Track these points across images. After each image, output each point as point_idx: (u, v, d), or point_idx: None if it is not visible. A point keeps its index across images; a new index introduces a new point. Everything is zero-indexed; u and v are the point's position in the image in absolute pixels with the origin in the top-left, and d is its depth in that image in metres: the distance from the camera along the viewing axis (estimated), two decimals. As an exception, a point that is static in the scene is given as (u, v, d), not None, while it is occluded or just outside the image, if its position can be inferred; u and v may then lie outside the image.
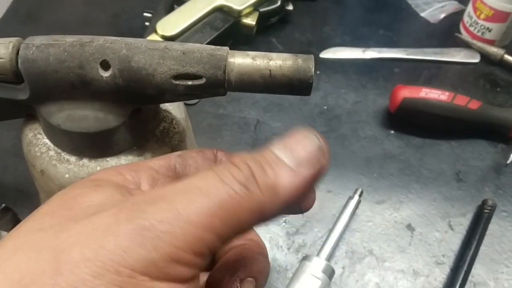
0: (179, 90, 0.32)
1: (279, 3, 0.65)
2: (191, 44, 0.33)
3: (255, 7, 0.63)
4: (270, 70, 0.32)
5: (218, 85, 0.32)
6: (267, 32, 0.67)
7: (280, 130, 0.58)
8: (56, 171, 0.35)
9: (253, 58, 0.32)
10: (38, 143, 0.36)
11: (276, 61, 0.32)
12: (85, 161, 0.36)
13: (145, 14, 0.64)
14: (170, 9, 0.63)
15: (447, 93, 0.55)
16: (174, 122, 0.39)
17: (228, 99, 0.60)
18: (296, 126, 0.24)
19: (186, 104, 0.44)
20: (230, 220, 0.20)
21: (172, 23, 0.60)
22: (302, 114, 0.59)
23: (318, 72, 0.64)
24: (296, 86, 0.32)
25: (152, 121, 0.38)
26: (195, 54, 0.32)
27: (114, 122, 0.34)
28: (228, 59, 0.32)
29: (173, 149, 0.38)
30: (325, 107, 0.60)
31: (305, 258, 0.45)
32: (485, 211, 0.51)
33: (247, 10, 0.62)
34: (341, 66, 0.65)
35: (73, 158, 0.36)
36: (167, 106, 0.39)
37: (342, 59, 0.65)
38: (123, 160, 0.36)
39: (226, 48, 0.33)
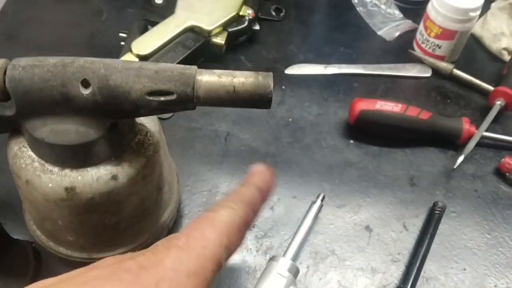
0: (153, 105, 0.36)
1: (246, 23, 0.69)
2: (163, 63, 0.37)
3: (224, 27, 0.68)
4: (234, 87, 0.36)
5: (187, 100, 0.36)
6: (236, 50, 0.71)
7: (249, 141, 0.62)
8: (40, 181, 0.39)
9: (219, 76, 0.36)
10: (23, 156, 0.39)
11: (239, 79, 0.36)
12: (67, 171, 0.39)
13: (120, 34, 0.68)
14: (144, 30, 0.66)
15: (400, 105, 0.61)
16: (149, 134, 0.43)
17: (200, 113, 0.64)
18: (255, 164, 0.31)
19: (160, 118, 0.48)
20: None
21: (146, 43, 0.63)
22: (269, 126, 0.64)
23: (283, 87, 0.68)
24: (258, 100, 0.37)
25: (129, 134, 0.41)
26: (167, 73, 0.36)
27: (94, 135, 0.37)
28: (197, 77, 0.36)
29: (148, 159, 0.42)
30: (290, 120, 0.65)
31: (272, 258, 0.49)
32: (436, 212, 0.56)
33: (217, 30, 0.66)
34: (304, 81, 0.69)
35: (56, 169, 0.39)
36: (142, 120, 0.43)
37: (306, 74, 0.70)
38: (102, 170, 0.39)
39: (195, 67, 0.37)
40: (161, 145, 0.45)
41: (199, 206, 0.56)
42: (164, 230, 0.51)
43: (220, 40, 0.67)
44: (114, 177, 0.40)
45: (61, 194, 0.39)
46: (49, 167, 0.39)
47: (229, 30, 0.68)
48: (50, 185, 0.39)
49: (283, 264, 0.48)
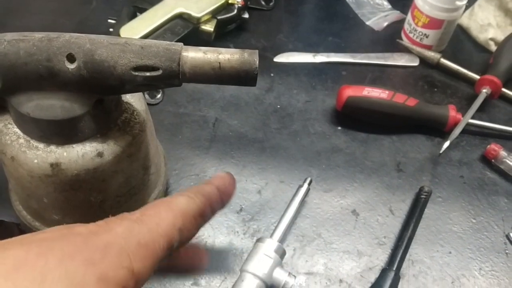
0: (138, 81, 0.36)
1: (235, 11, 0.70)
2: (148, 40, 0.37)
3: (213, 14, 0.68)
4: (219, 63, 0.36)
5: (173, 76, 0.36)
6: (224, 38, 0.71)
7: (237, 127, 0.62)
8: (25, 157, 0.39)
9: (204, 52, 0.36)
10: (9, 132, 0.39)
11: (225, 55, 0.36)
12: (53, 147, 0.39)
13: (109, 20, 0.68)
14: (132, 16, 0.66)
15: (387, 92, 0.61)
16: (135, 113, 0.43)
17: (188, 99, 0.64)
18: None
19: (148, 104, 0.48)
20: None
21: (135, 29, 0.63)
22: (257, 113, 0.64)
23: (272, 74, 0.68)
24: (243, 77, 0.37)
25: (114, 112, 0.41)
26: (152, 48, 0.36)
27: (79, 110, 0.37)
28: (182, 53, 0.36)
29: (133, 138, 0.42)
30: (278, 106, 0.65)
31: (259, 240, 0.49)
32: (422, 196, 0.56)
33: (206, 17, 0.67)
34: (293, 69, 0.70)
35: (41, 145, 0.39)
36: (128, 98, 0.43)
37: (294, 63, 0.70)
38: (87, 146, 0.39)
39: (181, 44, 0.37)
40: (147, 125, 0.45)
41: (187, 190, 0.56)
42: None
43: (209, 27, 0.67)
44: (100, 154, 0.40)
45: (46, 170, 0.39)
46: (34, 143, 0.39)
47: (218, 17, 0.68)
48: (36, 161, 0.39)
49: (270, 245, 0.49)
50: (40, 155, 0.39)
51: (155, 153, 0.49)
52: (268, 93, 0.66)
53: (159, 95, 0.63)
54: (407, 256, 0.52)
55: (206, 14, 0.66)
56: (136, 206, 0.48)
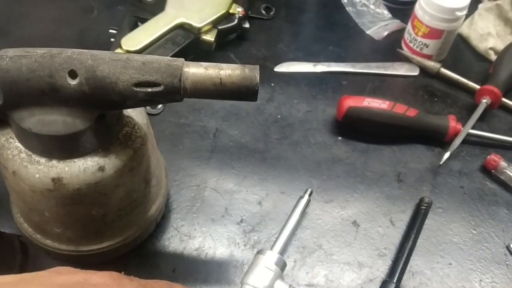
0: (140, 97, 0.36)
1: (236, 21, 0.70)
2: (150, 55, 0.37)
3: (214, 24, 0.68)
4: (220, 79, 0.37)
5: (174, 92, 0.36)
6: (225, 48, 0.72)
7: (237, 137, 0.62)
8: (27, 171, 0.39)
9: (205, 68, 0.37)
10: (10, 147, 0.39)
11: (226, 71, 0.37)
12: (54, 162, 0.39)
13: (110, 30, 0.68)
14: (134, 26, 0.67)
15: (387, 102, 0.61)
16: (136, 127, 0.43)
17: (189, 110, 0.64)
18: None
19: (149, 114, 0.48)
20: None
21: (136, 39, 0.63)
22: (258, 123, 0.64)
23: (272, 84, 0.68)
24: (244, 92, 0.37)
25: (116, 126, 0.41)
26: (154, 64, 0.36)
27: (80, 125, 0.37)
28: (184, 69, 0.36)
29: (135, 152, 0.42)
30: (279, 116, 0.65)
31: (259, 252, 0.49)
32: (422, 207, 0.56)
33: (207, 28, 0.67)
34: (293, 79, 0.70)
35: (43, 160, 0.39)
36: (129, 112, 0.43)
37: (295, 72, 0.70)
38: (89, 161, 0.40)
39: (182, 59, 0.37)
40: (148, 138, 0.45)
41: (187, 201, 0.56)
42: (152, 224, 0.51)
43: (209, 37, 0.67)
44: (101, 169, 0.40)
45: (48, 184, 0.39)
46: (36, 158, 0.39)
47: (219, 27, 0.68)
48: (37, 175, 0.39)
49: (270, 258, 0.49)
50: (41, 169, 0.39)
51: (156, 165, 0.49)
52: (269, 103, 0.66)
53: (160, 106, 0.63)
54: (408, 268, 0.52)
55: (207, 24, 0.67)
56: (137, 218, 0.48)
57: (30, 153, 0.39)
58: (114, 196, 0.43)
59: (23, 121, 0.37)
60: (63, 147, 0.38)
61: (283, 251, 0.51)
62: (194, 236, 0.53)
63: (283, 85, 0.69)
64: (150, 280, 0.34)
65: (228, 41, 0.72)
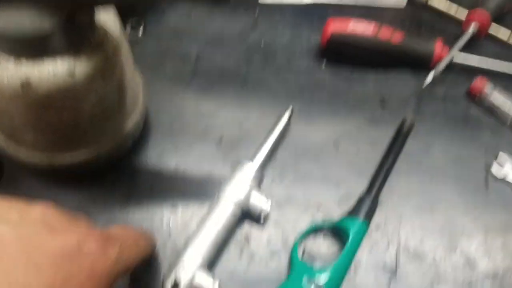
0: None
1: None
2: None
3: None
4: None
5: None
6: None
7: (219, 62, 0.61)
8: None
9: None
10: None
11: None
12: (23, 64, 0.38)
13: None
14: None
15: (372, 25, 0.60)
16: (108, 34, 0.42)
17: (170, 36, 0.63)
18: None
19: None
20: None
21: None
22: (240, 49, 0.63)
23: (256, 14, 0.67)
24: None
25: (88, 31, 0.41)
26: None
27: (49, 24, 0.36)
28: None
29: (107, 58, 0.42)
30: (262, 43, 0.64)
31: (238, 164, 0.49)
32: (403, 127, 0.56)
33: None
34: (279, 9, 0.68)
35: (11, 61, 0.38)
36: (102, 20, 0.42)
37: (281, 4, 0.69)
38: (59, 65, 0.39)
39: None
40: (122, 48, 0.44)
41: (167, 123, 0.56)
42: (128, 139, 0.51)
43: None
44: (71, 73, 0.39)
45: (16, 88, 0.38)
46: (3, 59, 0.38)
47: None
48: (6, 78, 0.38)
49: (249, 169, 0.49)
50: (10, 72, 0.38)
51: (132, 78, 0.48)
52: (252, 31, 0.65)
53: (140, 31, 0.62)
54: (386, 184, 0.52)
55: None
56: (112, 129, 0.48)
57: None
58: (86, 102, 0.42)
59: None
60: (31, 48, 0.38)
61: (261, 168, 0.51)
62: (172, 155, 0.53)
63: (267, 14, 0.67)
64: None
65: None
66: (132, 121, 0.50)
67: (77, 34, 0.40)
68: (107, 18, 0.43)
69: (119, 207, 0.50)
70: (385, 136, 0.56)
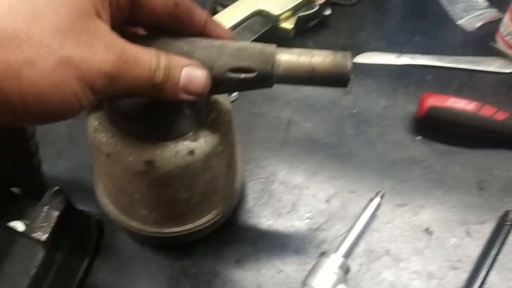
0: (233, 82, 0.36)
1: (317, 7, 0.68)
2: (243, 42, 0.37)
3: (294, 11, 0.66)
4: (312, 66, 0.36)
5: (266, 78, 0.36)
6: (304, 35, 0.70)
7: (310, 130, 0.61)
8: (120, 154, 0.40)
9: (298, 55, 0.37)
10: (104, 130, 0.41)
11: (318, 58, 0.36)
12: (147, 145, 0.40)
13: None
14: (213, 13, 0.66)
15: (473, 103, 0.57)
16: (223, 112, 0.43)
17: (263, 99, 0.64)
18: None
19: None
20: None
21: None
22: (332, 116, 0.62)
23: (351, 76, 0.66)
24: (335, 79, 0.37)
25: (205, 111, 0.42)
26: (248, 51, 0.36)
27: (175, 110, 0.38)
28: (276, 56, 0.36)
29: (222, 136, 0.43)
30: (355, 110, 0.63)
31: (323, 254, 0.49)
32: (507, 222, 0.52)
33: (285, 15, 0.65)
34: (374, 71, 0.67)
35: (136, 143, 0.40)
36: (216, 98, 0.43)
37: (375, 64, 0.67)
38: (180, 145, 0.40)
39: (274, 45, 0.37)
40: (232, 124, 0.45)
41: (256, 193, 0.56)
42: (231, 207, 0.52)
43: (288, 25, 0.65)
44: (191, 152, 0.41)
45: (140, 167, 0.40)
46: (129, 141, 0.40)
47: (299, 14, 0.66)
48: (131, 158, 0.40)
49: (335, 261, 0.48)
50: (135, 152, 0.40)
51: (237, 151, 0.49)
52: (345, 96, 0.64)
53: (235, 93, 0.63)
54: (487, 283, 0.49)
55: (286, 11, 0.65)
56: (218, 202, 0.49)
57: (123, 135, 0.40)
58: (201, 179, 0.44)
59: (116, 103, 0.38)
60: (156, 130, 0.40)
61: (348, 254, 0.50)
62: (259, 229, 0.54)
63: (362, 77, 0.66)
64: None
65: (307, 28, 0.70)
66: (235, 191, 0.51)
67: (197, 116, 0.41)
68: (221, 95, 0.45)
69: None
70: (483, 225, 0.53)
